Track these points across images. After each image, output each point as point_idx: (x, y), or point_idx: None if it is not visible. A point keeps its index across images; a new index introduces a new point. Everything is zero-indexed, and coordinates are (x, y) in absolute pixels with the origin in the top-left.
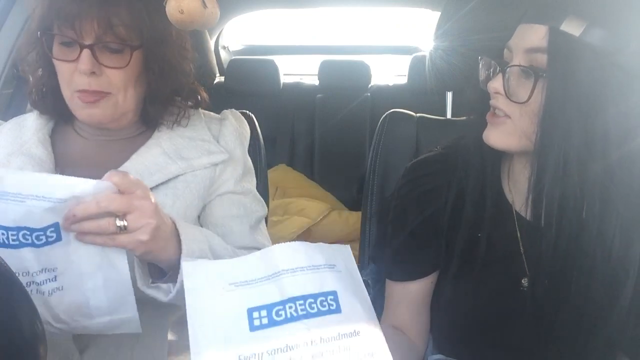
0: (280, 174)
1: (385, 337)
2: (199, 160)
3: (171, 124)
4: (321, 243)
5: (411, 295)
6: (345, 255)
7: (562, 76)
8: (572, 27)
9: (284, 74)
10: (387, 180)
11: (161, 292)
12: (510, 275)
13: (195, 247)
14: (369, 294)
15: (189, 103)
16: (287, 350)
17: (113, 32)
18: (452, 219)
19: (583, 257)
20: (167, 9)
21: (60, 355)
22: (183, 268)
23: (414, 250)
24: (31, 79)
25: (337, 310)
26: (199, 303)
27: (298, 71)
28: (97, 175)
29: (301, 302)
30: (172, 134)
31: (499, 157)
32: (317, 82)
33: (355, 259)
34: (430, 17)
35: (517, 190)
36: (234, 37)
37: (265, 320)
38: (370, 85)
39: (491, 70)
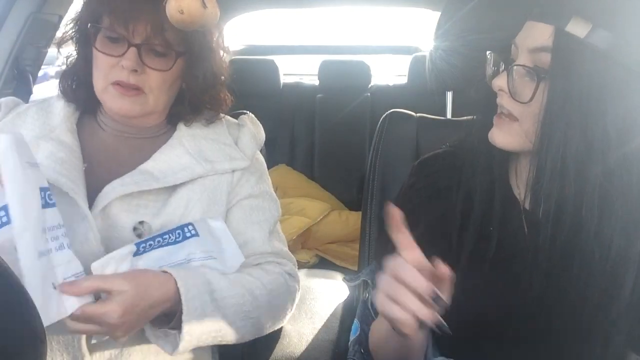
0: (280, 174)
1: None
2: (222, 164)
3: (190, 123)
4: None
5: None
6: None
7: (565, 77)
8: (577, 28)
9: (284, 74)
10: (387, 180)
11: (168, 344)
12: (517, 272)
13: (193, 290)
14: (369, 293)
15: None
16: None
17: (162, 35)
18: (462, 217)
19: (581, 255)
20: (167, 9)
21: (71, 355)
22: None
23: (423, 247)
24: (64, 66)
25: None
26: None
27: (298, 71)
28: (118, 171)
29: None
30: (194, 134)
31: (506, 155)
32: (317, 82)
33: (354, 259)
34: (430, 17)
35: (524, 187)
36: (234, 37)
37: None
38: (370, 85)
39: (497, 67)
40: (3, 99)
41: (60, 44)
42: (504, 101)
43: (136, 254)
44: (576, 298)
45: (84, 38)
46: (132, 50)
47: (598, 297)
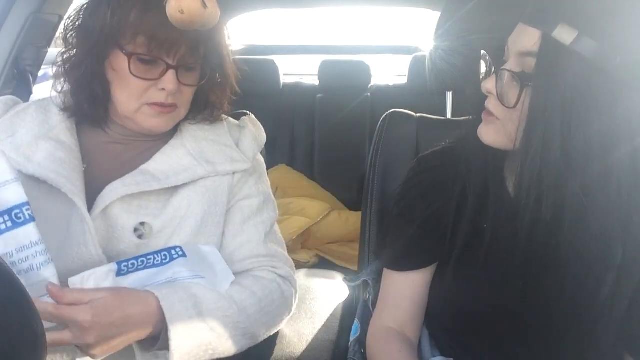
0: (280, 174)
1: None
2: (223, 166)
3: (196, 121)
4: None
5: (413, 285)
6: None
7: (548, 83)
8: (563, 35)
9: (284, 74)
10: (387, 181)
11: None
12: (508, 268)
13: (178, 305)
14: (369, 294)
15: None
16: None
17: (197, 53)
18: (458, 212)
19: (557, 257)
20: (167, 9)
21: (70, 357)
22: None
23: (420, 242)
24: (69, 86)
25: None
26: None
27: (298, 71)
28: (118, 172)
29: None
30: (195, 135)
31: (502, 154)
32: (317, 82)
33: (354, 259)
34: (430, 17)
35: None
36: (234, 37)
37: (9, 224)
38: (370, 85)
39: (490, 68)
40: (2, 98)
41: (65, 63)
42: (491, 104)
43: (119, 273)
44: (554, 298)
45: (101, 55)
46: (172, 72)
47: (573, 302)
